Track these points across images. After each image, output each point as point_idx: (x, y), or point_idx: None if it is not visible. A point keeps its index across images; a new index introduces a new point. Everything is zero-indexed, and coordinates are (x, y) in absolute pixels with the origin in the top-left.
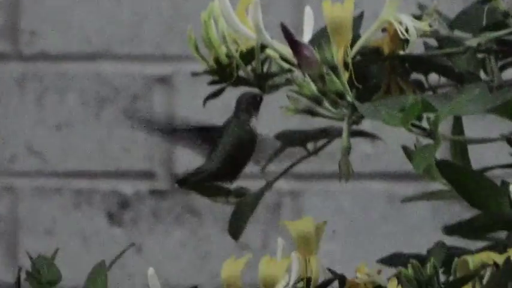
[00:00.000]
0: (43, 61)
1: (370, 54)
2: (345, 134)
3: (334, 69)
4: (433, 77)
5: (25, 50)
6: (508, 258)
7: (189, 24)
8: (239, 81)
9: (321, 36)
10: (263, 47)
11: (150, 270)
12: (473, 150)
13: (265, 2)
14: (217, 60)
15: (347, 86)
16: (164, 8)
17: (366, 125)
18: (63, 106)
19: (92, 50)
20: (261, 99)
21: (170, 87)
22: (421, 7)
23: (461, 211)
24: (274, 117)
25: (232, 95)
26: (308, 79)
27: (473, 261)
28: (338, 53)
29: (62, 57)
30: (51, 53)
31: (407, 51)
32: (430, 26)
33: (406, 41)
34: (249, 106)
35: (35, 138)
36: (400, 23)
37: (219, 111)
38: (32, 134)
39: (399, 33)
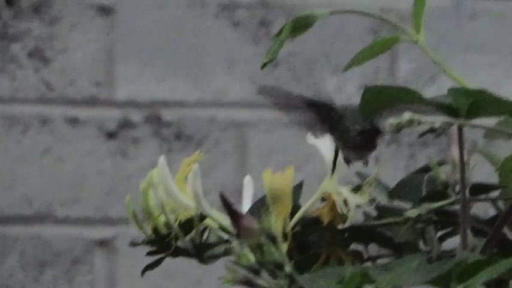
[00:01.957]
0: None
1: (310, 224)
2: None
3: (273, 239)
4: (373, 247)
5: None
6: None
7: (130, 186)
8: (178, 252)
9: (261, 205)
10: (203, 216)
11: None
12: None
13: (207, 165)
14: (155, 230)
15: (285, 256)
16: (106, 169)
17: None
18: (3, 269)
19: (33, 212)
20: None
21: (111, 250)
22: (360, 175)
23: None
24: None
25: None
26: (246, 249)
27: None
28: (277, 222)
29: (2, 220)
30: None
31: (346, 224)
32: (370, 196)
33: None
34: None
35: None
36: (340, 194)
37: (159, 278)
38: None
39: (338, 207)
